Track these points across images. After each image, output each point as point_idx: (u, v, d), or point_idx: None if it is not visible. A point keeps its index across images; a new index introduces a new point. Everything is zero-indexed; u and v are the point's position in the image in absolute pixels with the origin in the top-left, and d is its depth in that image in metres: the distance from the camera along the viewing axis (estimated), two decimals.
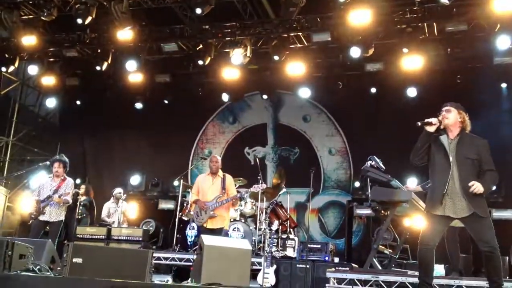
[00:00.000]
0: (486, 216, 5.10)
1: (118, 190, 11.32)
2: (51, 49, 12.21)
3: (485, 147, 5.20)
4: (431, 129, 5.24)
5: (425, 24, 10.08)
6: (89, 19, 9.75)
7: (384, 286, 6.82)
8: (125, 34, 10.51)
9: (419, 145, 5.33)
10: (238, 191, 8.72)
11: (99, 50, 11.84)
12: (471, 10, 9.55)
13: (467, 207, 5.07)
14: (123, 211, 11.20)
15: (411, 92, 11.49)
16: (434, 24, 10.06)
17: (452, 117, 5.25)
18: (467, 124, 5.30)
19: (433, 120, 5.24)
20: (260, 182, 8.93)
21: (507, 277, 7.72)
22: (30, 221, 8.32)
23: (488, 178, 5.09)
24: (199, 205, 8.16)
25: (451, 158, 5.16)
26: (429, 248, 5.21)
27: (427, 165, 5.41)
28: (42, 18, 10.07)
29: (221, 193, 8.17)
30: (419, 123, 5.27)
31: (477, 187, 4.96)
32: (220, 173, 8.38)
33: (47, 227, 8.37)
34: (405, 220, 7.72)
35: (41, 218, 8.23)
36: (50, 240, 6.83)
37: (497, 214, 9.84)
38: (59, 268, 5.67)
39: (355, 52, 10.34)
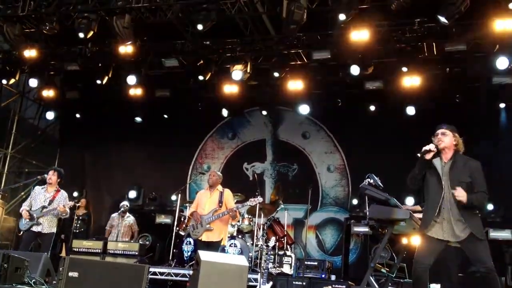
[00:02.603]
0: (483, 238, 5.09)
1: (122, 203, 11.29)
2: (52, 62, 12.26)
3: (478, 169, 5.20)
4: (429, 156, 5.26)
5: (425, 43, 10.15)
6: (91, 33, 9.81)
7: None
8: (126, 49, 10.58)
9: (416, 172, 5.33)
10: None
11: (100, 64, 11.89)
12: (470, 30, 9.62)
13: (465, 229, 5.07)
14: (129, 224, 11.18)
15: (410, 110, 11.52)
16: (434, 43, 10.14)
17: (447, 141, 5.26)
18: (460, 146, 5.31)
19: (431, 147, 5.26)
20: (256, 196, 8.89)
21: None
22: (22, 232, 8.25)
23: (475, 195, 5.07)
24: (194, 217, 8.16)
25: (444, 182, 5.18)
26: (424, 268, 5.20)
27: None
28: (44, 31, 10.12)
29: (218, 207, 8.15)
30: (419, 154, 5.28)
31: (461, 194, 4.95)
32: (220, 187, 8.38)
33: (38, 239, 8.27)
34: (402, 238, 7.68)
35: (34, 228, 8.12)
36: (45, 253, 6.81)
37: (494, 234, 9.80)
38: (54, 282, 5.66)
39: (354, 70, 10.39)
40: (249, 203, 8.55)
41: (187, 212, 9.91)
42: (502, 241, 9.70)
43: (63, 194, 8.47)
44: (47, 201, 8.26)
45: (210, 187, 8.39)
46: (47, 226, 8.19)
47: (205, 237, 8.02)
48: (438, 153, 5.32)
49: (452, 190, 5.03)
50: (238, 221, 10.26)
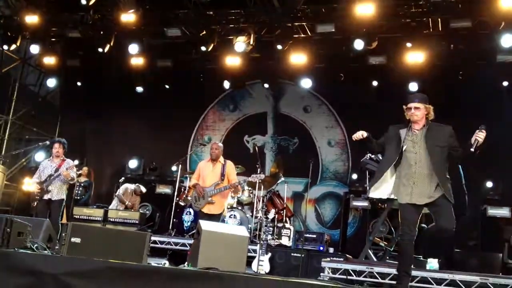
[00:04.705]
0: (452, 202, 5.27)
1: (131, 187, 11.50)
2: (54, 29, 12.15)
3: (451, 133, 5.44)
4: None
5: (430, 19, 10.07)
6: (93, 0, 9.71)
7: (378, 277, 6.91)
8: (128, 17, 10.48)
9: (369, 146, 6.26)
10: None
11: (101, 32, 11.78)
12: (476, 7, 9.53)
13: (436, 190, 5.29)
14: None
15: (413, 86, 11.46)
16: (439, 19, 10.05)
17: (420, 114, 5.54)
18: (431, 114, 5.56)
19: (359, 136, 6.02)
20: (259, 172, 8.96)
21: (500, 274, 7.79)
22: (36, 203, 8.46)
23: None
24: (197, 190, 8.20)
25: (415, 148, 5.44)
26: (408, 240, 5.39)
27: None
28: None
29: (220, 180, 8.19)
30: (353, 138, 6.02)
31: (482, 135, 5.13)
32: (222, 159, 8.39)
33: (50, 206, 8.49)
34: None
35: (45, 196, 8.43)
36: (47, 219, 6.85)
37: (493, 211, 9.84)
38: (56, 247, 5.72)
39: (358, 44, 10.30)
40: (250, 179, 8.60)
41: (189, 183, 9.96)
42: (501, 219, 9.76)
43: (69, 162, 8.74)
44: (53, 170, 8.56)
45: (213, 160, 8.41)
46: (56, 193, 8.51)
47: (206, 209, 8.09)
48: (408, 123, 5.63)
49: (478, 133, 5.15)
50: (239, 194, 10.33)
